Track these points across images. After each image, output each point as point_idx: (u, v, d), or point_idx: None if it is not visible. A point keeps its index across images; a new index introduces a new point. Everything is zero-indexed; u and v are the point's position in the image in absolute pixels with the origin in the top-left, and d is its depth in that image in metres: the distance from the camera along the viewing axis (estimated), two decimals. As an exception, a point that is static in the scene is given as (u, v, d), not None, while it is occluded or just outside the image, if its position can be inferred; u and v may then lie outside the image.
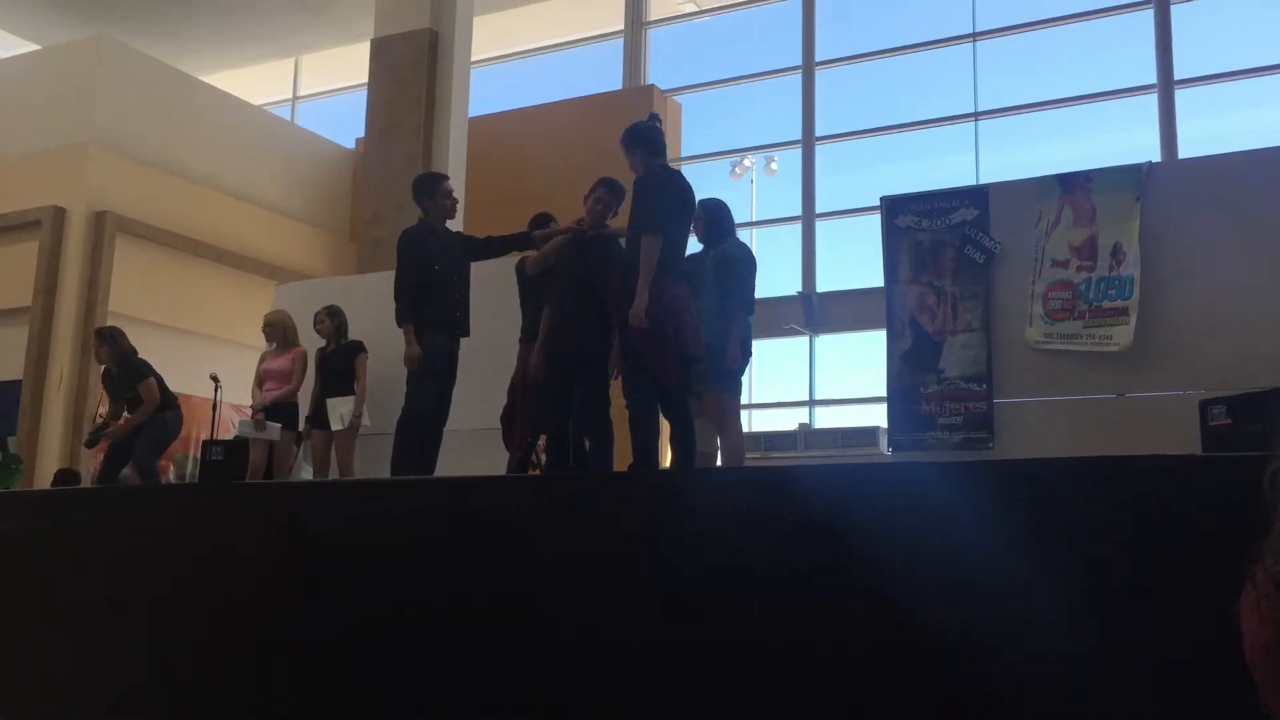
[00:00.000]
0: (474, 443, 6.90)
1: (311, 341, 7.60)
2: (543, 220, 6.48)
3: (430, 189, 6.57)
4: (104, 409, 8.11)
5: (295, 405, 7.46)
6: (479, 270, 6.60)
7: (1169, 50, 11.46)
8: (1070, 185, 6.55)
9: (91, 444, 7.95)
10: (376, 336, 7.22)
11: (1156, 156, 10.96)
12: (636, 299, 4.94)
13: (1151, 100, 11.49)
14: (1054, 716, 3.20)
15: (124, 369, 7.50)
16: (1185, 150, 11.12)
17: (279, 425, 7.28)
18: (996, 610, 3.26)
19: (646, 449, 5.00)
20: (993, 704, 3.30)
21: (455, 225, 8.39)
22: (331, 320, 7.42)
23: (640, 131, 5.39)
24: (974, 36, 12.48)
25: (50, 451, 10.68)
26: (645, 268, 4.97)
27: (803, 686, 3.58)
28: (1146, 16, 11.66)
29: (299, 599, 4.81)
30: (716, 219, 5.90)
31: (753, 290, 5.89)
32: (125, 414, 7.51)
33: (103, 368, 7.79)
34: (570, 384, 5.46)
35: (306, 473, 7.65)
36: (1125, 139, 12.07)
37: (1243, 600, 1.25)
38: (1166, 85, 11.39)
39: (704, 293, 5.62)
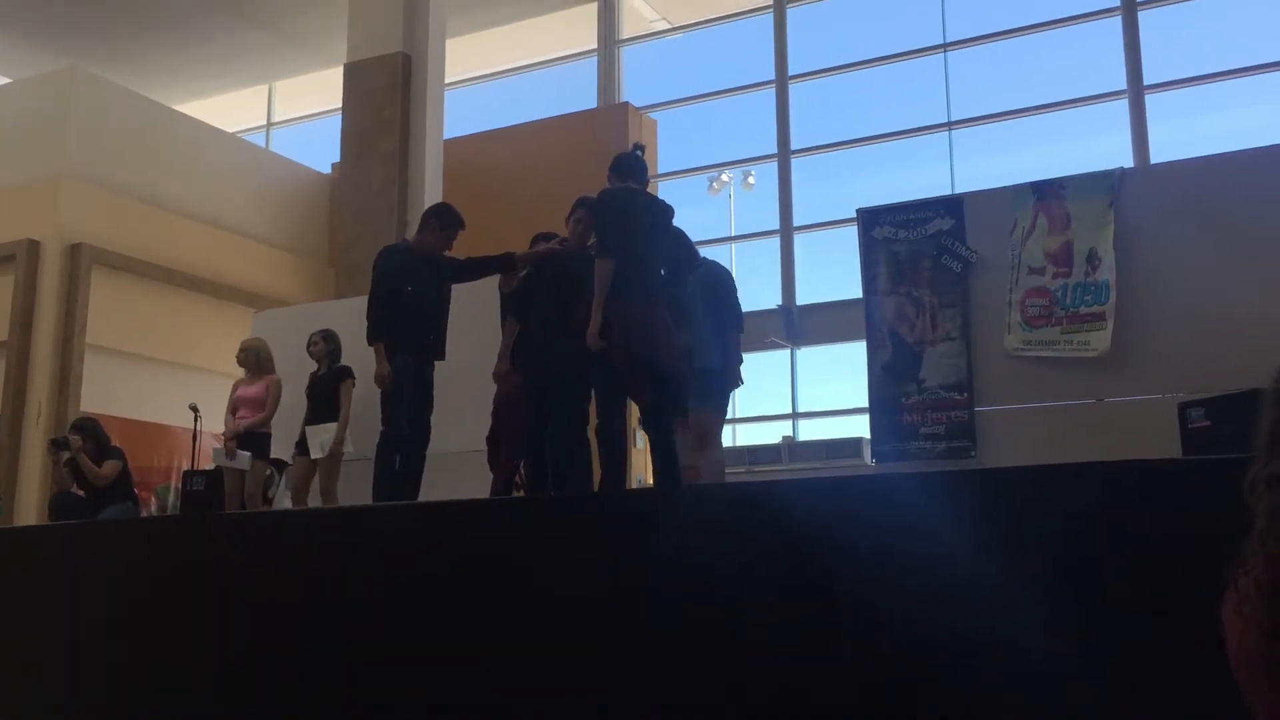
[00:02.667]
0: (460, 465, 6.88)
1: (297, 366, 7.48)
2: (546, 239, 6.42)
3: (447, 221, 6.50)
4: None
5: (267, 435, 7.38)
6: (461, 292, 6.58)
7: (1138, 56, 11.56)
8: (1044, 193, 6.59)
9: (55, 447, 7.99)
10: (355, 362, 7.18)
11: (1129, 162, 11.05)
12: (590, 322, 5.00)
13: (1122, 106, 11.58)
14: (1044, 724, 3.20)
15: (100, 454, 7.84)
16: (1157, 155, 11.20)
17: (249, 454, 7.19)
18: (980, 618, 3.26)
19: (614, 465, 5.00)
20: (977, 713, 3.29)
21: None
22: (326, 344, 7.29)
23: (617, 159, 5.47)
24: (945, 47, 12.56)
25: (30, 487, 10.58)
26: (597, 291, 5.02)
27: (787, 700, 3.57)
28: (1115, 23, 11.76)
29: (278, 628, 4.78)
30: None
31: (738, 305, 5.99)
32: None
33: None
34: (549, 404, 5.45)
35: (287, 501, 7.59)
36: (1097, 145, 12.18)
37: (1226, 603, 1.25)
38: (1136, 90, 11.48)
39: (695, 318, 5.67)
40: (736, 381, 5.86)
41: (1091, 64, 12.07)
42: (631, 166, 5.42)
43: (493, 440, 6.33)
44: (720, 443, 5.96)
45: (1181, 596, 2.41)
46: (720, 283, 5.90)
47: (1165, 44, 11.70)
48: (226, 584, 4.99)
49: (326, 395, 7.16)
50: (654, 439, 5.14)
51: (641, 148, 5.59)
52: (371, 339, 6.12)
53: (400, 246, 6.51)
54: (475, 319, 6.74)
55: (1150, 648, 3.06)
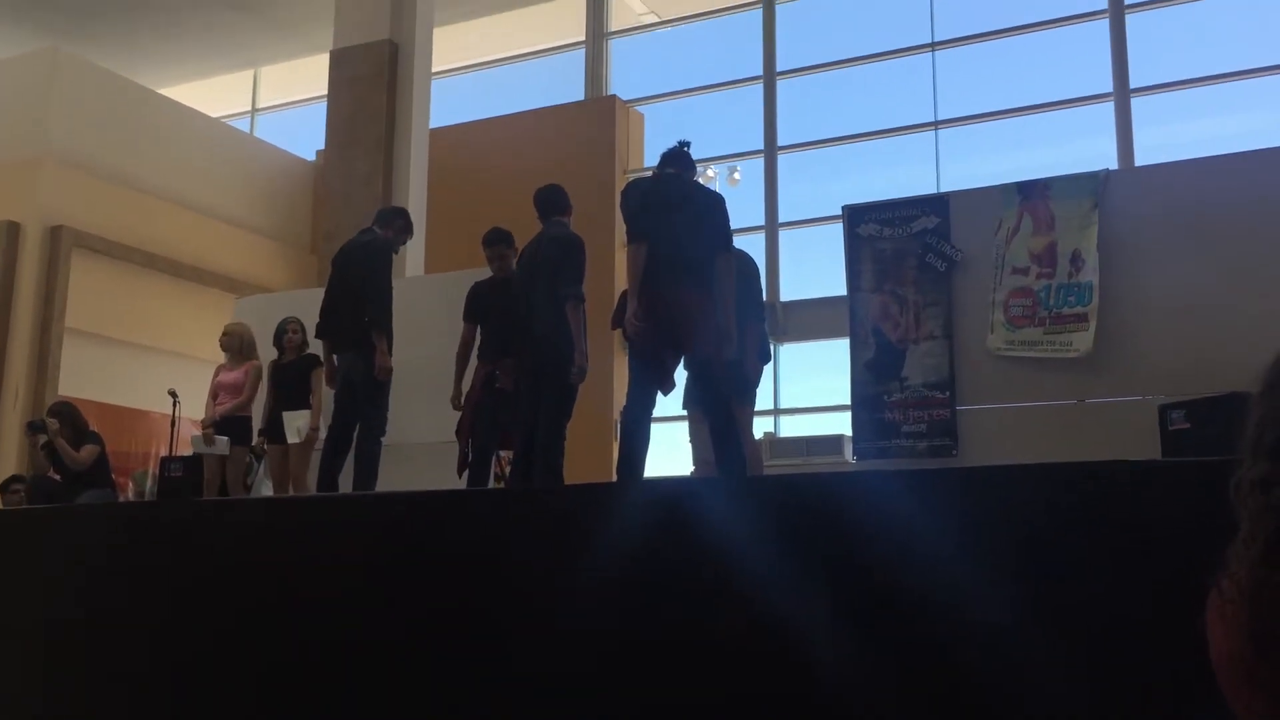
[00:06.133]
0: (425, 456, 6.99)
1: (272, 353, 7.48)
2: (500, 237, 6.53)
3: (405, 226, 7.01)
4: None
5: (248, 419, 7.35)
6: (421, 287, 6.73)
7: (1125, 59, 11.59)
8: (1029, 193, 6.60)
9: (32, 430, 7.89)
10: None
11: (1114, 164, 11.08)
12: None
13: (1109, 108, 11.61)
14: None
15: (77, 439, 7.78)
16: (1142, 158, 11.23)
17: (227, 439, 7.17)
18: (955, 618, 3.26)
19: (625, 454, 5.00)
20: (954, 712, 3.29)
21: (417, 239, 8.42)
22: (303, 333, 7.32)
23: (662, 154, 5.52)
24: (933, 46, 12.57)
25: (5, 472, 10.49)
26: (630, 276, 5.06)
27: (758, 698, 3.56)
28: (1103, 26, 11.79)
29: (250, 617, 4.75)
30: None
31: (760, 296, 6.05)
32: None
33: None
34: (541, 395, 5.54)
35: (266, 488, 7.55)
36: (1083, 147, 12.19)
37: (1210, 608, 1.24)
38: (1123, 93, 11.52)
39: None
40: (753, 375, 5.78)
41: (1079, 66, 12.09)
42: (674, 155, 5.45)
43: (462, 432, 6.43)
44: (752, 436, 5.94)
45: (1158, 598, 2.41)
46: (747, 275, 5.77)
47: (1152, 47, 11.73)
48: (204, 571, 4.95)
49: (299, 382, 7.18)
50: (710, 427, 5.10)
51: (686, 143, 5.54)
52: (388, 329, 6.40)
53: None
54: (435, 313, 6.87)
55: (1127, 649, 3.07)
